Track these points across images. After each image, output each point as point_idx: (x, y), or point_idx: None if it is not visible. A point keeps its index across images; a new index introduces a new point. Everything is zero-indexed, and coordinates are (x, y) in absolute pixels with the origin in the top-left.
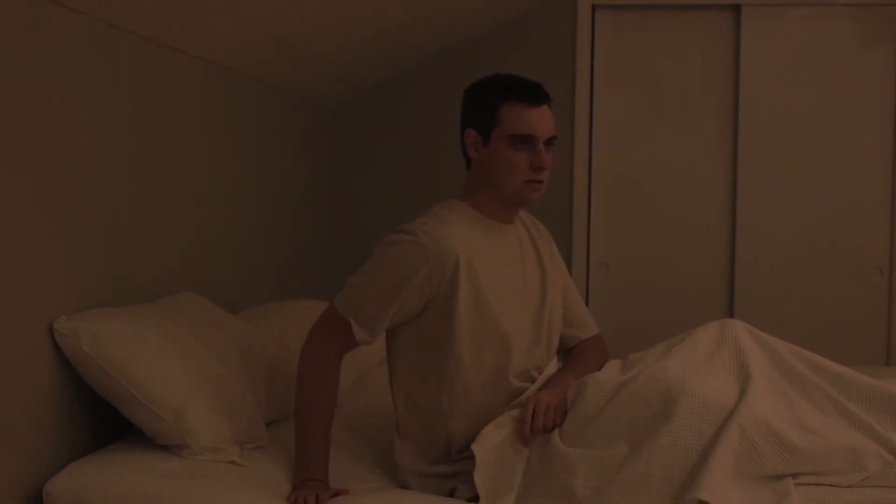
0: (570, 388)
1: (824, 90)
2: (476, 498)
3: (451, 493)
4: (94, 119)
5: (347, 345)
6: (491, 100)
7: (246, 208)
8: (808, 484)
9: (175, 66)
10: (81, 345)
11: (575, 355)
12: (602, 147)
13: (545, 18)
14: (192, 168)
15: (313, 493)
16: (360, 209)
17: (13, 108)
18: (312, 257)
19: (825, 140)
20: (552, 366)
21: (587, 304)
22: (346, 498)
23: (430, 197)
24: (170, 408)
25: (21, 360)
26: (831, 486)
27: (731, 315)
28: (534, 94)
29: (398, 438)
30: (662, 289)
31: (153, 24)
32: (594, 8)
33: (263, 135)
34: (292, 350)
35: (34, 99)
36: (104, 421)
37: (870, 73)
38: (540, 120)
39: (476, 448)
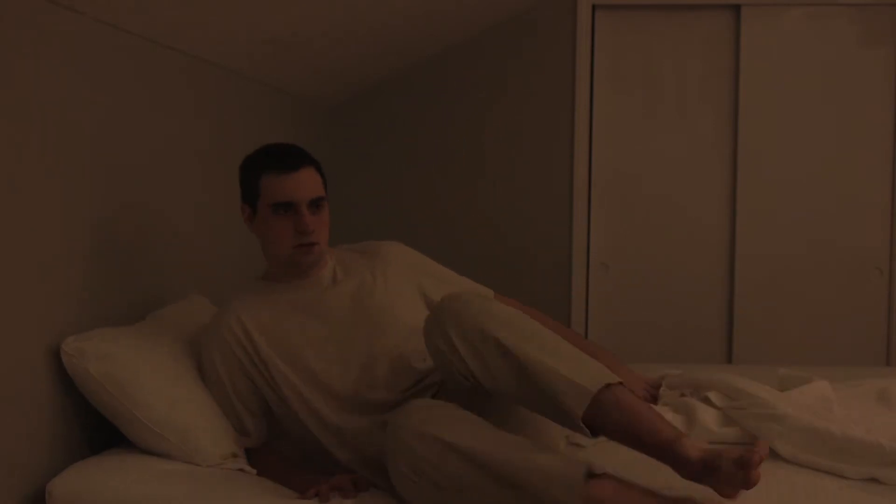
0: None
1: (824, 90)
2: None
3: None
4: (92, 121)
5: (264, 446)
6: (253, 173)
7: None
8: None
9: (174, 66)
10: (87, 366)
11: None
12: (602, 147)
13: (545, 18)
14: (191, 168)
15: (326, 485)
16: (358, 209)
17: (13, 109)
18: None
19: (825, 140)
20: None
21: (587, 304)
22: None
23: (428, 197)
24: (175, 429)
25: (24, 364)
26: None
27: (730, 315)
28: (288, 161)
29: None
30: (662, 289)
31: (152, 24)
32: (594, 8)
33: (263, 135)
34: None
35: (32, 100)
36: (106, 423)
37: (870, 73)
38: (297, 185)
39: None
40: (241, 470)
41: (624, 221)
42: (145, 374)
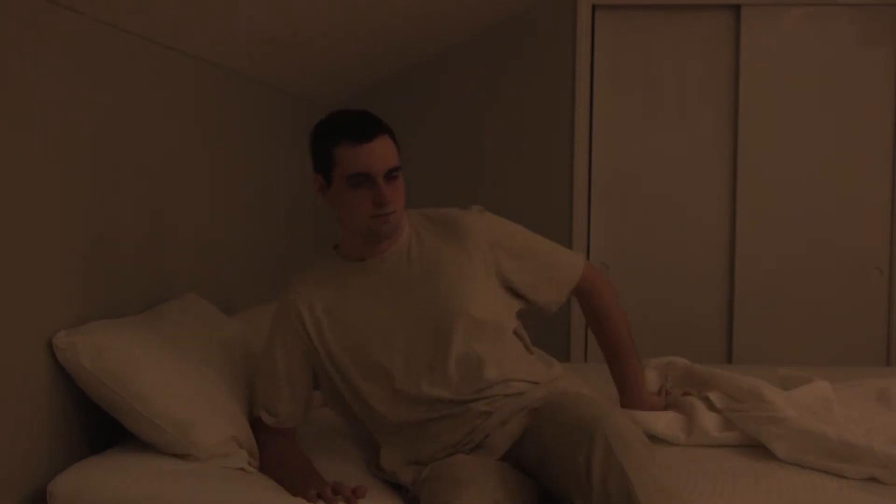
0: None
1: (824, 90)
2: None
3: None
4: (92, 121)
5: (281, 431)
6: (326, 143)
7: (245, 208)
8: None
9: (173, 66)
10: (81, 360)
11: (602, 351)
12: (602, 147)
13: (545, 18)
14: (191, 168)
15: (327, 488)
16: None
17: (11, 109)
18: (311, 257)
19: (825, 140)
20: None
21: None
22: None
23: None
24: (173, 420)
25: (23, 364)
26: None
27: (730, 315)
28: (364, 130)
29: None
30: (662, 289)
31: (152, 24)
32: (594, 8)
33: (262, 135)
34: None
35: (32, 100)
36: (107, 421)
37: (870, 73)
38: (374, 155)
39: None
40: (241, 469)
41: (624, 221)
42: (139, 366)
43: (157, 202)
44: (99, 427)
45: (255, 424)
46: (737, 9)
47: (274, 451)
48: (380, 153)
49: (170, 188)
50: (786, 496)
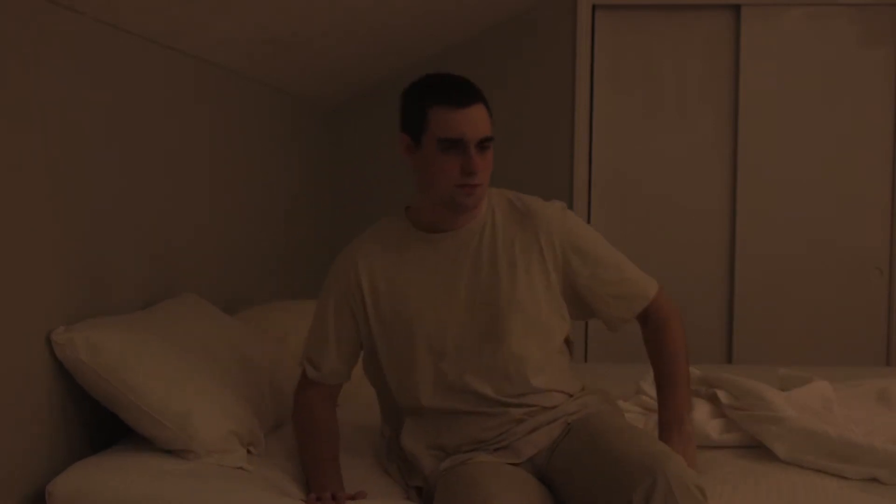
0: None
1: (824, 90)
2: None
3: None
4: (92, 121)
5: (324, 388)
6: (420, 103)
7: (245, 208)
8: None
9: (174, 66)
10: (79, 355)
11: (657, 379)
12: (602, 147)
13: (545, 18)
14: (191, 168)
15: (328, 492)
16: (359, 209)
17: (11, 109)
18: (311, 257)
19: (825, 140)
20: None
21: None
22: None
23: None
24: (172, 414)
25: (23, 364)
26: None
27: (730, 315)
28: (462, 94)
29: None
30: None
31: (152, 25)
32: (594, 8)
33: (262, 135)
34: (291, 351)
35: (32, 100)
36: (107, 421)
37: (870, 73)
38: (469, 122)
39: None
40: (240, 468)
41: (624, 221)
42: (138, 360)
43: (156, 202)
44: (100, 426)
45: (296, 408)
46: (737, 9)
47: (306, 410)
48: (476, 120)
49: (170, 188)
50: (786, 497)
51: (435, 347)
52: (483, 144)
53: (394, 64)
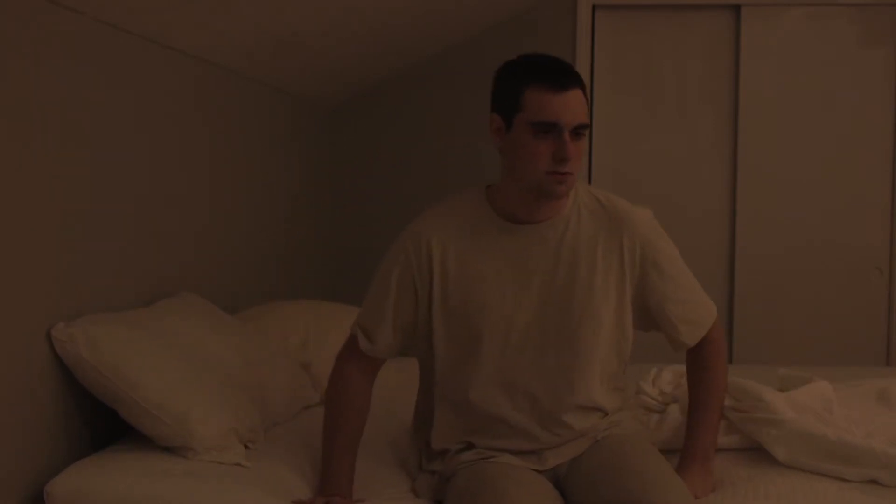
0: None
1: (824, 90)
2: None
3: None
4: (92, 121)
5: (367, 360)
6: (515, 83)
7: (245, 208)
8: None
9: (174, 66)
10: (80, 351)
11: (691, 404)
12: (602, 147)
13: (545, 18)
14: (191, 168)
15: (326, 500)
16: (359, 209)
17: (11, 109)
18: (311, 257)
19: (825, 140)
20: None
21: None
22: None
23: (429, 197)
24: (171, 411)
25: (22, 363)
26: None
27: (730, 315)
28: (561, 77)
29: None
30: None
31: (152, 25)
32: (594, 8)
33: (262, 135)
34: (291, 351)
35: (32, 100)
36: (106, 421)
37: (870, 73)
38: (566, 107)
39: None
40: (237, 465)
41: None
42: (138, 356)
43: (156, 202)
44: (99, 423)
45: (330, 393)
46: (737, 9)
47: (343, 380)
48: (573, 105)
49: (170, 188)
50: (786, 500)
51: (498, 343)
52: (578, 131)
53: (394, 64)
